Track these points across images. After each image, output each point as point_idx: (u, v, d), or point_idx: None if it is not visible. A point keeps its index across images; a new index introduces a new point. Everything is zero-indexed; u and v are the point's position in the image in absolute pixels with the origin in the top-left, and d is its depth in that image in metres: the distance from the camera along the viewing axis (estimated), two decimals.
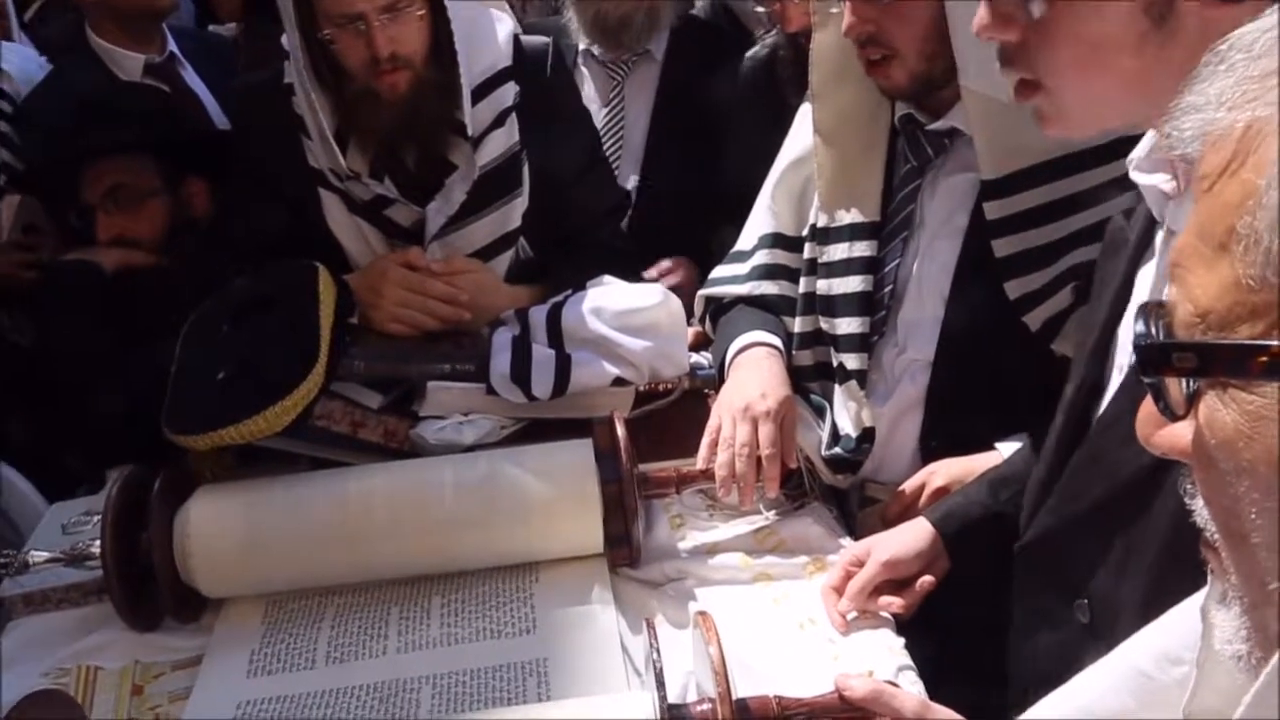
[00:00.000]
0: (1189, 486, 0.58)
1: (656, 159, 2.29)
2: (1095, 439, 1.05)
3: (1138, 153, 1.03)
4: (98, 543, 1.36)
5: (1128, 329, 1.05)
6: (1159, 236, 1.02)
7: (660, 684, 1.01)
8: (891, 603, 1.27)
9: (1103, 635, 1.02)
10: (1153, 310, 0.55)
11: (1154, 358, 0.54)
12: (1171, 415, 0.56)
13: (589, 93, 2.34)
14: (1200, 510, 0.58)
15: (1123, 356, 1.06)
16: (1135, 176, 1.02)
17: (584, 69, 2.36)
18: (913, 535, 1.30)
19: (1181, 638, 0.75)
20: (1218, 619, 0.59)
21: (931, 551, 1.29)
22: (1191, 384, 0.54)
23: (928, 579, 1.28)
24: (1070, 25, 0.94)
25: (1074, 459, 1.09)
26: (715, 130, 2.21)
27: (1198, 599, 0.72)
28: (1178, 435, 0.57)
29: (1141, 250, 1.06)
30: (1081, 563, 1.06)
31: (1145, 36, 0.91)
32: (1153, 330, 0.54)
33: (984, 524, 1.28)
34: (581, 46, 2.35)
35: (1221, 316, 0.51)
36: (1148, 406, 0.58)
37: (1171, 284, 0.56)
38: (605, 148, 2.29)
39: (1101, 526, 1.04)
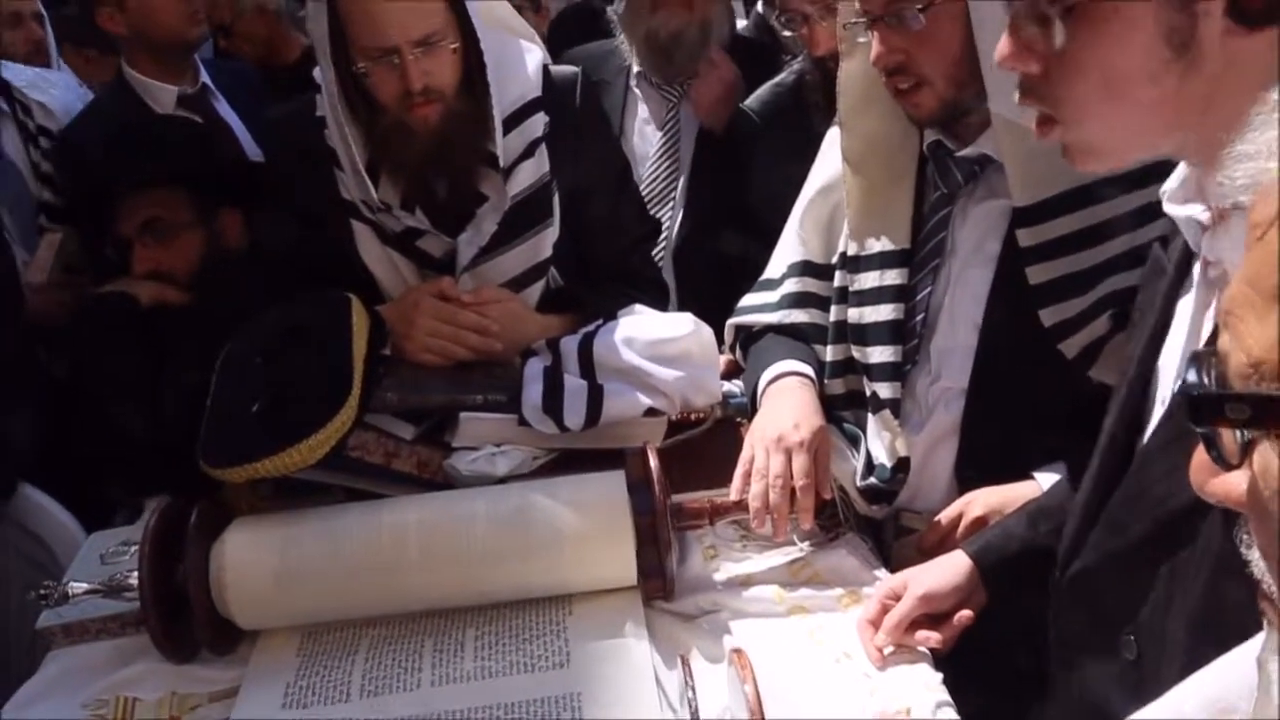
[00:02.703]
0: (1244, 536, 0.58)
1: (699, 184, 2.29)
2: (1137, 473, 1.04)
3: (1170, 185, 1.02)
4: (136, 574, 1.37)
5: (1168, 361, 1.04)
6: (1197, 267, 1.00)
7: None
8: (929, 637, 1.26)
9: (1149, 671, 1.00)
10: (1205, 358, 0.55)
11: (1207, 408, 0.54)
12: (1225, 465, 0.56)
13: (644, 115, 2.35)
14: (1257, 561, 0.57)
15: (1164, 389, 1.04)
16: (1169, 209, 1.01)
17: (637, 91, 2.36)
18: (950, 568, 1.29)
19: (1234, 686, 0.73)
20: (1275, 671, 0.58)
21: (969, 585, 1.28)
22: (1245, 434, 0.54)
23: (965, 613, 1.26)
24: (1092, 55, 0.93)
25: (1117, 493, 1.07)
26: (747, 155, 2.21)
27: (1250, 647, 0.71)
28: (1232, 484, 0.57)
29: (1180, 280, 1.04)
30: (1127, 597, 1.05)
31: (1167, 66, 0.90)
32: (1205, 379, 0.54)
33: (1023, 558, 1.26)
34: (635, 69, 2.35)
35: (1275, 368, 0.51)
36: (1202, 454, 0.58)
37: (1224, 331, 0.55)
38: (661, 170, 2.30)
39: (1147, 561, 1.02)
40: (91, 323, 1.85)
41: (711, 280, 2.12)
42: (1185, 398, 0.54)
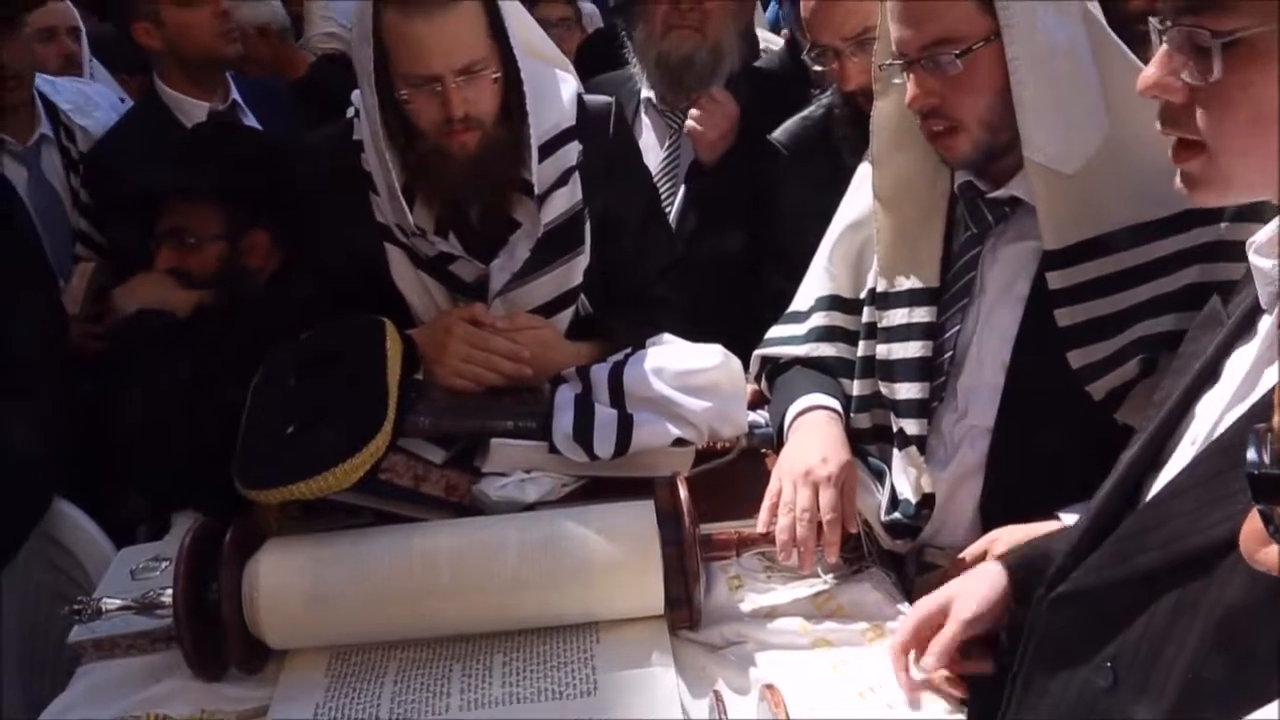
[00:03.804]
0: None
1: (691, 208, 2.31)
2: (1159, 505, 1.03)
3: (1260, 237, 1.00)
4: (168, 591, 1.39)
5: (1208, 407, 1.04)
6: (1263, 322, 1.00)
7: None
8: (982, 666, 1.24)
9: (1126, 700, 1.00)
10: (1262, 436, 0.58)
11: (1269, 487, 0.57)
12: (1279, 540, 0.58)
13: (649, 140, 2.37)
14: None
15: (1196, 429, 1.05)
16: (1255, 260, 0.99)
17: (645, 117, 2.39)
18: (989, 586, 1.26)
19: None
20: None
21: (1005, 602, 1.25)
22: None
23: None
24: (1245, 91, 0.90)
25: (1128, 522, 1.07)
26: (765, 185, 2.23)
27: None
28: None
29: (1239, 333, 1.04)
30: (1112, 625, 1.04)
31: None
32: (1263, 457, 0.56)
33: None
34: (644, 95, 2.38)
35: None
36: (1252, 524, 0.60)
37: (1278, 411, 0.58)
38: (661, 192, 2.32)
39: (1144, 593, 1.02)
40: (131, 338, 1.86)
41: (699, 301, 2.13)
42: (1248, 476, 0.57)
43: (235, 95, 2.66)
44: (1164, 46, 0.95)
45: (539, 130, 1.69)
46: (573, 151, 1.75)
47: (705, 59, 2.29)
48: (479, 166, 1.67)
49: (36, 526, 1.76)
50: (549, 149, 1.73)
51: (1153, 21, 0.96)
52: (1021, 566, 1.28)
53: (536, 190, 1.71)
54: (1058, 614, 1.12)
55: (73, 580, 1.76)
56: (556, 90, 1.77)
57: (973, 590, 1.27)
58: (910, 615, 1.31)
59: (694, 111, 2.25)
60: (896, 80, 1.47)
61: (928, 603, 1.30)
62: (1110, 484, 1.13)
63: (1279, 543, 0.58)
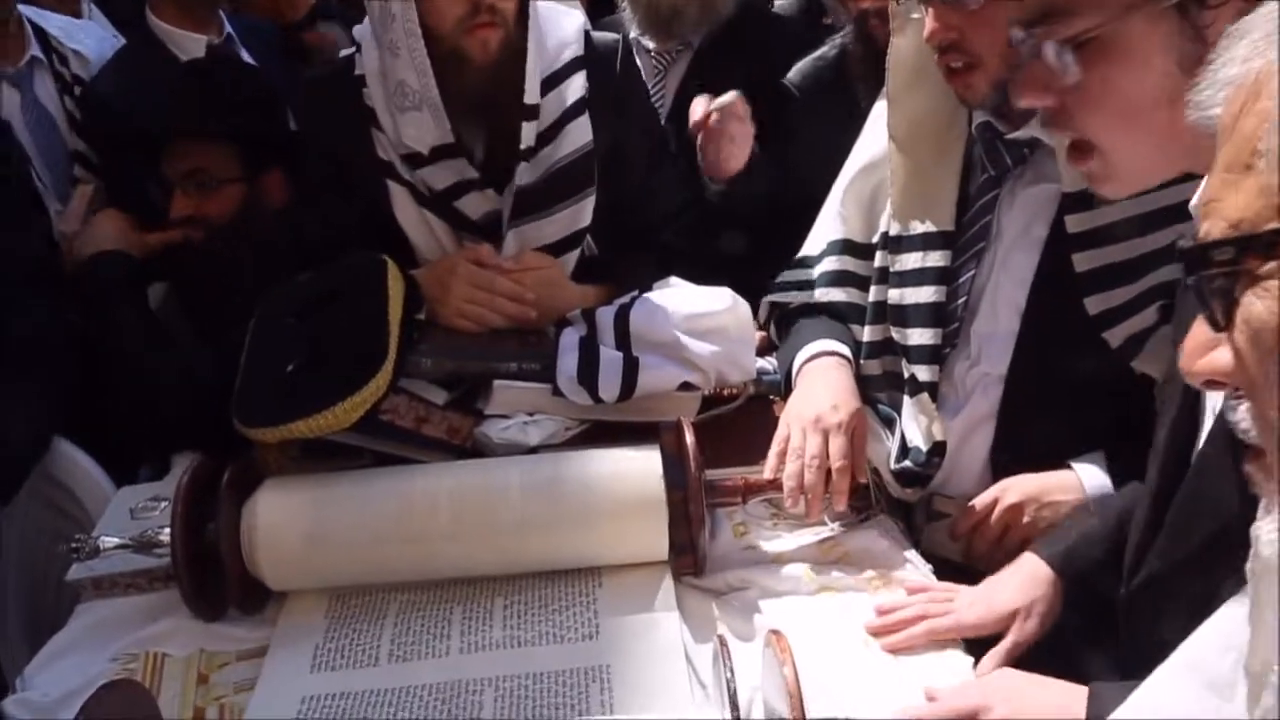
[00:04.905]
0: (1232, 402, 0.66)
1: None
2: (1195, 479, 1.02)
3: (1199, 199, 1.01)
4: (166, 531, 1.37)
5: None
6: None
7: (735, 707, 1.00)
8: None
9: None
10: (1188, 236, 0.64)
11: (1197, 258, 0.61)
12: (1215, 324, 0.62)
13: None
14: (1243, 419, 0.64)
15: (1213, 399, 1.03)
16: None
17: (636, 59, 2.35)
18: (1032, 586, 1.25)
19: (1232, 627, 0.75)
20: (1262, 530, 0.66)
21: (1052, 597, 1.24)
22: (1227, 296, 0.61)
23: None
24: (1107, 86, 0.95)
25: (1176, 500, 1.06)
26: (777, 127, 2.18)
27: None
28: (1218, 357, 0.64)
29: None
30: (1196, 603, 1.03)
31: (1179, 89, 0.89)
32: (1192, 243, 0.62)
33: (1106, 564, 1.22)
34: (632, 35, 2.34)
35: (1252, 221, 0.59)
36: (1194, 339, 0.65)
37: (1204, 220, 0.63)
38: None
39: (1213, 566, 1.00)
40: (88, 285, 1.82)
41: (705, 244, 2.08)
42: (1178, 251, 0.63)
43: (229, 30, 2.59)
44: (1026, 56, 1.02)
45: (543, 55, 1.65)
46: (579, 84, 1.70)
47: (696, 11, 2.23)
48: (496, 74, 1.62)
49: (36, 466, 1.74)
50: (554, 80, 1.68)
51: (1016, 35, 1.02)
52: (1068, 559, 1.25)
53: (540, 118, 1.66)
54: (1143, 604, 1.11)
55: (73, 519, 1.75)
56: (559, 20, 1.73)
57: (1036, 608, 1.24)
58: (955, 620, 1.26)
59: (724, 147, 1.98)
60: (915, 15, 1.43)
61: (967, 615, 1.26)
62: (1160, 461, 1.11)
63: (1214, 328, 0.61)
